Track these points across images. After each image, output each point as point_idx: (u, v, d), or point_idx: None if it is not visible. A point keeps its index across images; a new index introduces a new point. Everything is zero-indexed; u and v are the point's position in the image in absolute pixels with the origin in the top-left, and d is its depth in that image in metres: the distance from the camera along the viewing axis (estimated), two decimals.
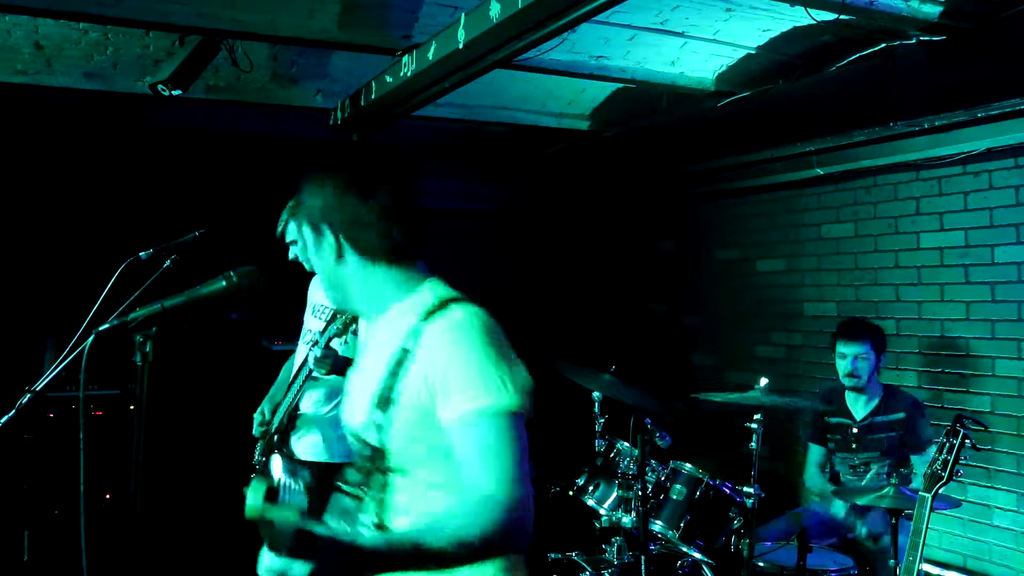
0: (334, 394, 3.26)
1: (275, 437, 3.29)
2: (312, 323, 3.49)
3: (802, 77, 4.23)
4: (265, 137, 5.74)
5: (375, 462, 1.54)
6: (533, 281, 7.19)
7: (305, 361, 3.25)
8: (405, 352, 1.49)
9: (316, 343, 3.18)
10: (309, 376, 3.13)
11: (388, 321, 1.61)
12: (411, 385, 1.47)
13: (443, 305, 1.51)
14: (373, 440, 1.54)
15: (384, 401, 1.50)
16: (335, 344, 3.07)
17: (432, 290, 1.59)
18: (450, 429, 1.42)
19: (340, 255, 1.58)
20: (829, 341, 3.88)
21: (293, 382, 3.29)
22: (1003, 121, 3.59)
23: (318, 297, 3.52)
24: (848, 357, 3.71)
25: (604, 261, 6.92)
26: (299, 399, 3.23)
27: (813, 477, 3.94)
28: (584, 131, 5.60)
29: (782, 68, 4.29)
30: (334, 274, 1.62)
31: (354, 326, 2.98)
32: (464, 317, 1.47)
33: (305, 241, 1.65)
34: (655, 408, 3.39)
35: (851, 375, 3.70)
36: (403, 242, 1.61)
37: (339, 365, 3.00)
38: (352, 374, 1.74)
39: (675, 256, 6.18)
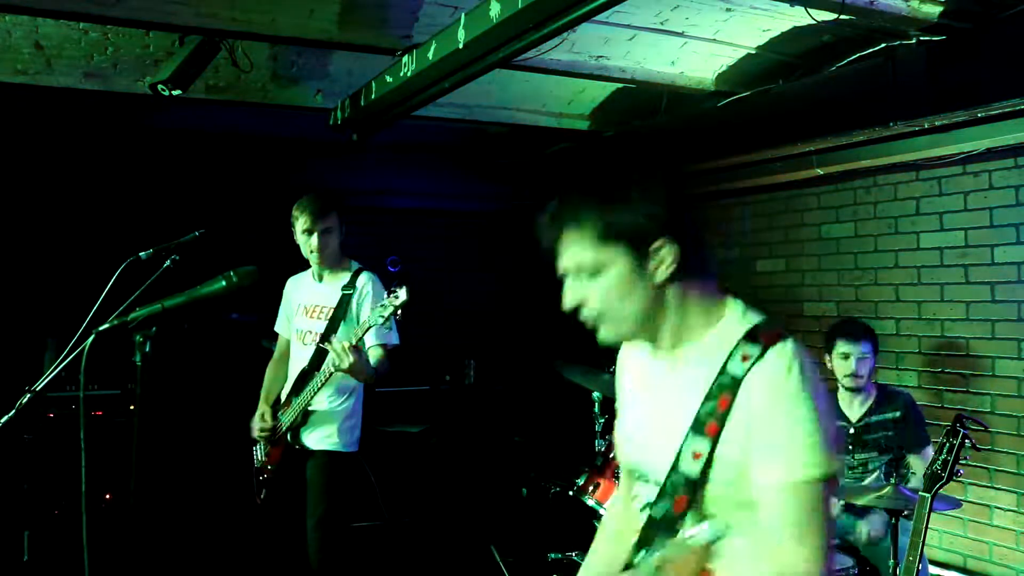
0: (343, 390, 3.41)
1: (288, 435, 3.43)
2: (308, 323, 3.53)
3: (802, 77, 4.23)
4: (265, 137, 5.75)
5: (682, 503, 1.41)
6: (533, 281, 7.20)
7: (316, 360, 3.38)
8: (724, 396, 1.36)
9: (324, 340, 3.33)
10: (330, 377, 3.26)
11: (692, 354, 1.44)
12: (731, 435, 1.35)
13: (756, 338, 1.37)
14: (683, 478, 1.40)
15: (702, 445, 1.38)
16: (373, 329, 3.22)
17: (736, 315, 1.44)
18: (762, 492, 1.33)
19: (652, 279, 1.39)
20: (824, 342, 3.87)
21: (304, 382, 3.41)
22: (1003, 121, 3.60)
23: (307, 297, 3.59)
24: (851, 357, 3.67)
25: None
26: (313, 396, 3.34)
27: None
28: (584, 131, 5.60)
29: (782, 68, 4.29)
30: (631, 303, 1.42)
31: (399, 312, 3.10)
32: (788, 364, 1.33)
33: (588, 267, 1.43)
34: None
35: (853, 375, 3.67)
36: (705, 255, 1.45)
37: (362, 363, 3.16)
38: (629, 410, 1.63)
39: None
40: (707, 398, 1.37)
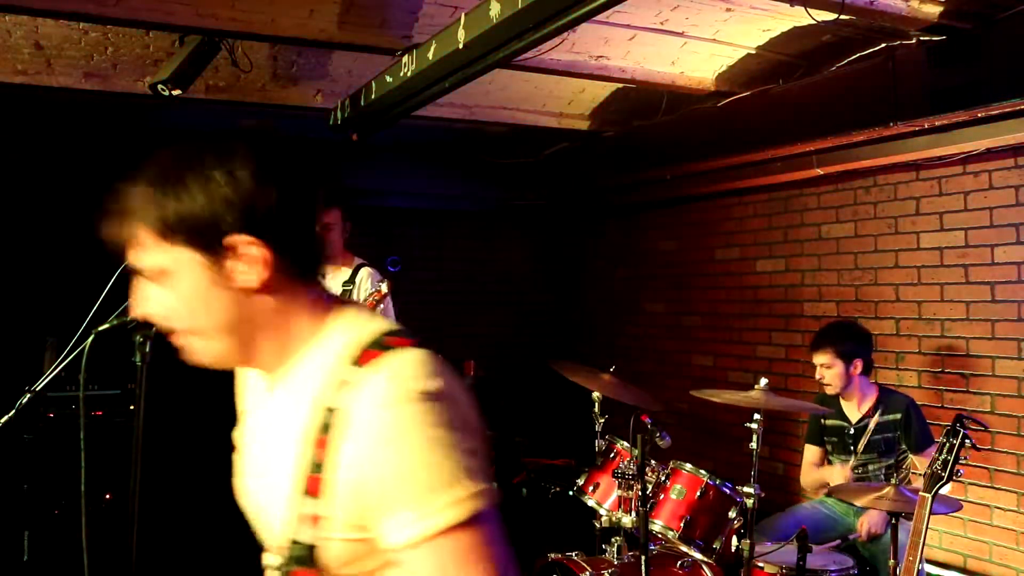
0: None
1: None
2: None
3: (802, 77, 4.23)
4: None
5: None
6: (533, 281, 7.20)
7: None
8: (321, 437, 1.06)
9: None
10: None
11: (291, 381, 1.16)
12: (342, 488, 1.05)
13: (360, 357, 1.07)
14: (302, 549, 1.09)
15: (310, 505, 1.07)
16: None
17: (344, 328, 1.14)
18: (397, 557, 1.03)
19: (229, 282, 1.10)
20: None
21: None
22: (1003, 121, 3.60)
23: None
24: (817, 367, 3.77)
25: (604, 261, 6.93)
26: None
27: (806, 475, 4.00)
28: (584, 131, 5.60)
29: (782, 68, 4.29)
30: (210, 315, 1.13)
31: (382, 304, 3.08)
32: (396, 385, 1.03)
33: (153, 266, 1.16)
34: (655, 408, 3.39)
35: (822, 383, 3.77)
36: (312, 257, 1.17)
37: None
38: (244, 452, 1.32)
39: (675, 256, 6.17)
40: (304, 441, 1.08)
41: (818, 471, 3.94)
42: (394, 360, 1.07)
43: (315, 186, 1.17)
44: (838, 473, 3.71)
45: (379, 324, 1.14)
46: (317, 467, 1.06)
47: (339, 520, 1.06)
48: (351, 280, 3.53)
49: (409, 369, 1.05)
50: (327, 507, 1.06)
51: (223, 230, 1.08)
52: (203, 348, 1.16)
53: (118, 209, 1.17)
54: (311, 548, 1.08)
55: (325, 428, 1.06)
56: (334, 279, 3.58)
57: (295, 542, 1.09)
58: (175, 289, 1.13)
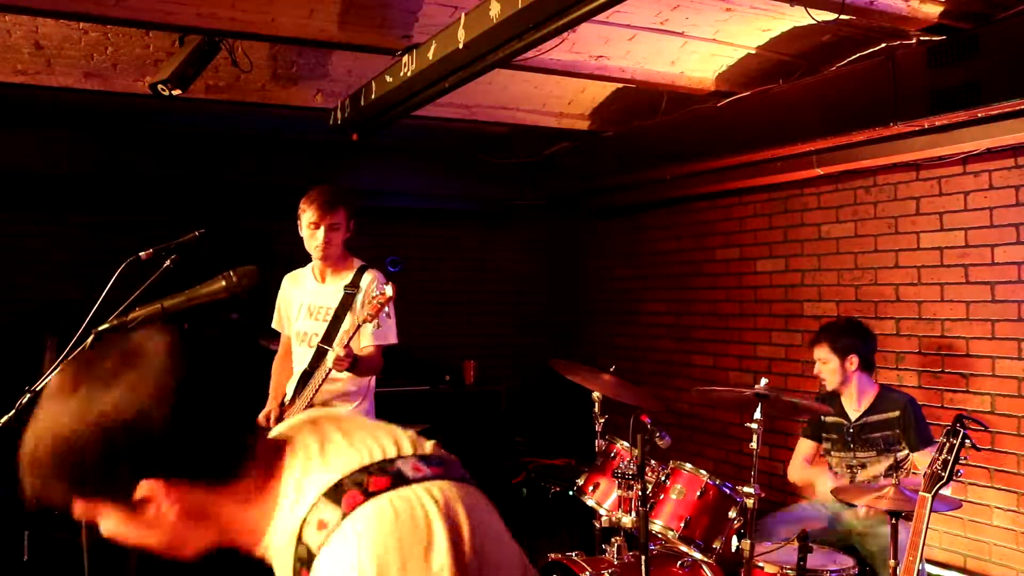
0: (354, 394, 3.45)
1: None
2: (310, 325, 3.50)
3: (802, 77, 4.23)
4: (265, 137, 5.74)
5: None
6: (533, 281, 7.20)
7: (316, 361, 3.38)
8: (303, 571, 1.02)
9: (325, 341, 3.35)
10: (327, 377, 3.26)
11: (276, 558, 1.10)
12: None
13: (346, 501, 1.00)
14: None
15: None
16: (368, 328, 3.21)
17: (297, 486, 1.06)
18: None
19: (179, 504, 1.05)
20: None
21: (306, 382, 3.40)
22: (1003, 121, 3.60)
23: (308, 298, 3.55)
24: (815, 362, 3.82)
25: (604, 261, 6.93)
26: (313, 395, 3.34)
27: (793, 469, 4.03)
28: (584, 131, 5.60)
29: (782, 68, 4.29)
30: (154, 540, 1.09)
31: (387, 308, 3.10)
32: (369, 558, 0.95)
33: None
34: (655, 408, 3.39)
35: (819, 378, 3.84)
36: (232, 446, 1.07)
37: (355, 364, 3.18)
38: None
39: (675, 256, 6.17)
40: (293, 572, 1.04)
41: (807, 470, 3.96)
42: (371, 517, 0.97)
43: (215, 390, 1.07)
44: (827, 481, 3.73)
45: (348, 461, 1.04)
46: None
47: None
48: (354, 284, 3.41)
49: (384, 536, 0.96)
50: None
51: (126, 484, 1.01)
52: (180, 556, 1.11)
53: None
54: None
55: (305, 565, 1.01)
56: (335, 282, 3.47)
57: None
58: (115, 528, 1.07)
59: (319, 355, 3.35)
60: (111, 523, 1.06)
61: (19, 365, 4.28)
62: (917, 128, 3.85)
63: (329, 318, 3.42)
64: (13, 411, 1.88)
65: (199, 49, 3.84)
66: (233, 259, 2.91)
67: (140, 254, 2.36)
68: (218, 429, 1.04)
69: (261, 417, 3.54)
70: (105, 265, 2.28)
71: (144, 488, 1.01)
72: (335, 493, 1.00)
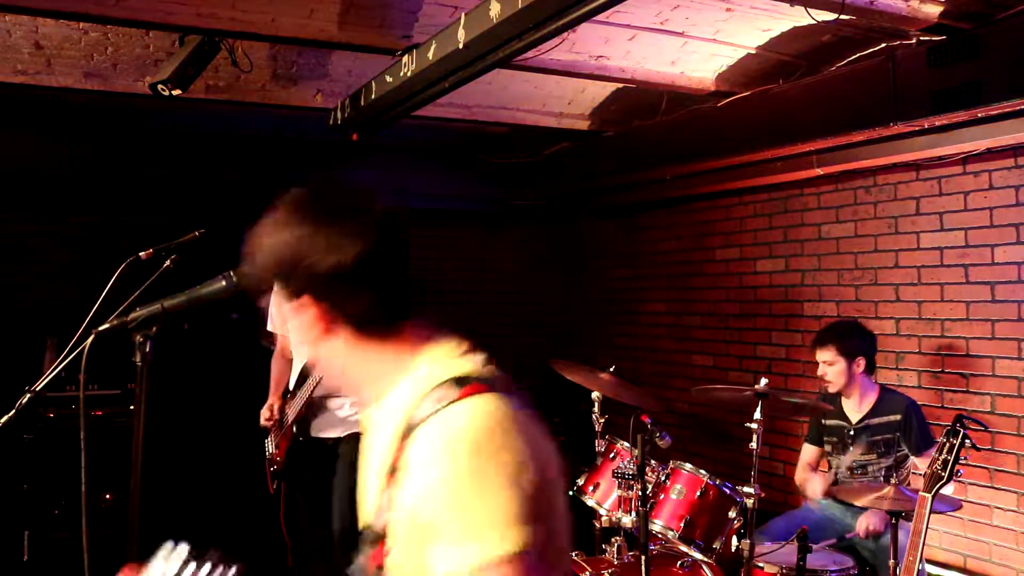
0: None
1: (293, 427, 3.60)
2: None
3: (802, 77, 4.23)
4: (265, 137, 5.74)
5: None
6: (533, 281, 7.20)
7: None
8: (394, 466, 1.19)
9: None
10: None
11: (385, 411, 1.29)
12: (404, 495, 1.16)
13: (455, 386, 1.18)
14: (374, 533, 1.24)
15: (385, 498, 1.22)
16: None
17: (432, 365, 1.25)
18: None
19: (327, 328, 1.26)
20: None
21: (305, 376, 3.54)
22: (1003, 121, 3.60)
23: None
24: (819, 364, 3.79)
25: (604, 261, 6.93)
26: (312, 390, 3.47)
27: (799, 474, 4.02)
28: (584, 131, 5.60)
29: (782, 68, 4.29)
30: (320, 353, 1.30)
31: None
32: (463, 426, 1.12)
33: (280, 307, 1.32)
34: (655, 408, 3.39)
35: (823, 379, 3.80)
36: (393, 304, 1.30)
37: None
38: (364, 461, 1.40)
39: (675, 256, 6.18)
40: (389, 448, 1.21)
41: (806, 475, 3.96)
42: (468, 405, 1.15)
43: (394, 242, 1.31)
44: (818, 484, 3.77)
45: (466, 364, 1.25)
46: (393, 470, 1.19)
47: (398, 523, 1.18)
48: None
49: (477, 419, 1.13)
50: (394, 504, 1.18)
51: (297, 293, 1.24)
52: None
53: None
54: (378, 535, 1.22)
55: (403, 440, 1.19)
56: None
57: (370, 527, 1.24)
58: (293, 322, 1.29)
59: None
60: (291, 316, 1.28)
61: (19, 365, 4.30)
62: (917, 128, 3.85)
63: None
64: (13, 411, 1.88)
65: (199, 49, 3.84)
66: (233, 259, 2.90)
67: (140, 254, 2.36)
68: (385, 290, 1.29)
69: (264, 409, 3.67)
70: (105, 265, 2.28)
71: (310, 304, 1.24)
72: (460, 382, 1.18)
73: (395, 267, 1.31)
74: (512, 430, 1.14)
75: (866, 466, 3.73)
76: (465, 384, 1.18)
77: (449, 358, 1.26)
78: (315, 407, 3.54)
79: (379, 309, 1.28)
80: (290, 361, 3.73)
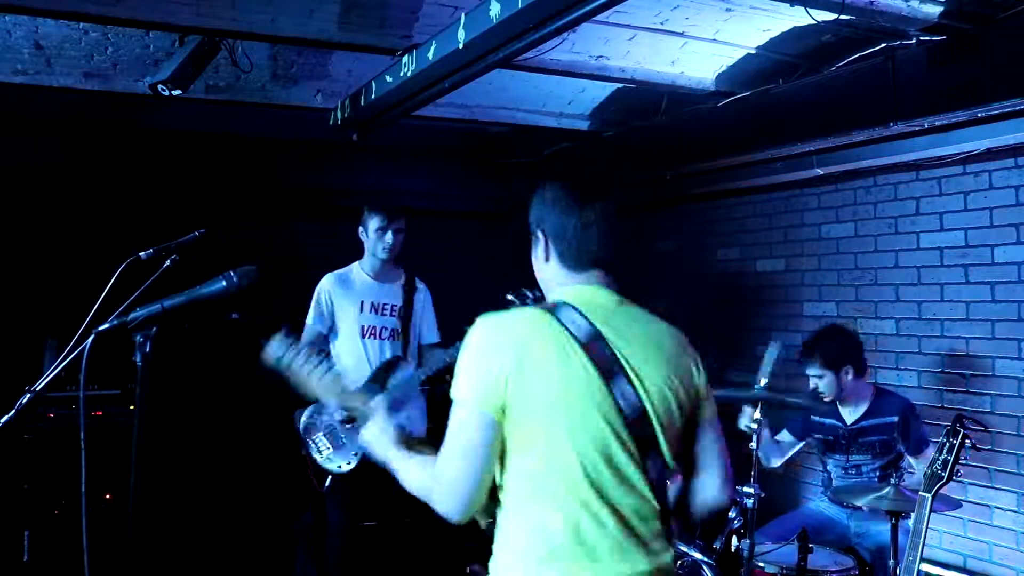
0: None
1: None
2: (378, 320, 3.92)
3: (802, 77, 4.23)
4: (265, 137, 5.74)
5: None
6: (534, 281, 7.19)
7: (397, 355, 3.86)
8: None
9: (403, 336, 3.93)
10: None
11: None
12: None
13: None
14: None
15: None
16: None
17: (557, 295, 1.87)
18: None
19: (547, 258, 1.88)
20: None
21: (389, 373, 3.81)
22: (1003, 121, 3.59)
23: (370, 295, 3.93)
24: (809, 377, 3.78)
25: None
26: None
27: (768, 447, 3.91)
28: (584, 131, 5.60)
29: (782, 68, 4.29)
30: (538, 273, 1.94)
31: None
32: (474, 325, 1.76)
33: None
34: None
35: (817, 391, 3.76)
36: (585, 253, 1.84)
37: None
38: None
39: (675, 256, 6.17)
40: None
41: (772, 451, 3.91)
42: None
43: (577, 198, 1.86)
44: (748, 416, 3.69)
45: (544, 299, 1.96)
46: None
47: None
48: (409, 283, 4.00)
49: (482, 320, 1.77)
50: None
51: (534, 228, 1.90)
52: None
53: None
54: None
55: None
56: (393, 282, 4.00)
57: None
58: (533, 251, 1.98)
59: (401, 349, 3.89)
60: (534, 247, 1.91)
61: (19, 365, 4.30)
62: (917, 128, 3.85)
63: (398, 314, 3.94)
64: (13, 411, 1.88)
65: (199, 49, 3.84)
66: (233, 259, 2.90)
67: (140, 254, 2.36)
68: (575, 251, 1.85)
69: (324, 410, 3.72)
70: (105, 265, 2.28)
71: (542, 239, 1.88)
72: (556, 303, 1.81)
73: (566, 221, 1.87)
74: (484, 333, 1.76)
75: (860, 466, 3.74)
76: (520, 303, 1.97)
77: (563, 294, 1.86)
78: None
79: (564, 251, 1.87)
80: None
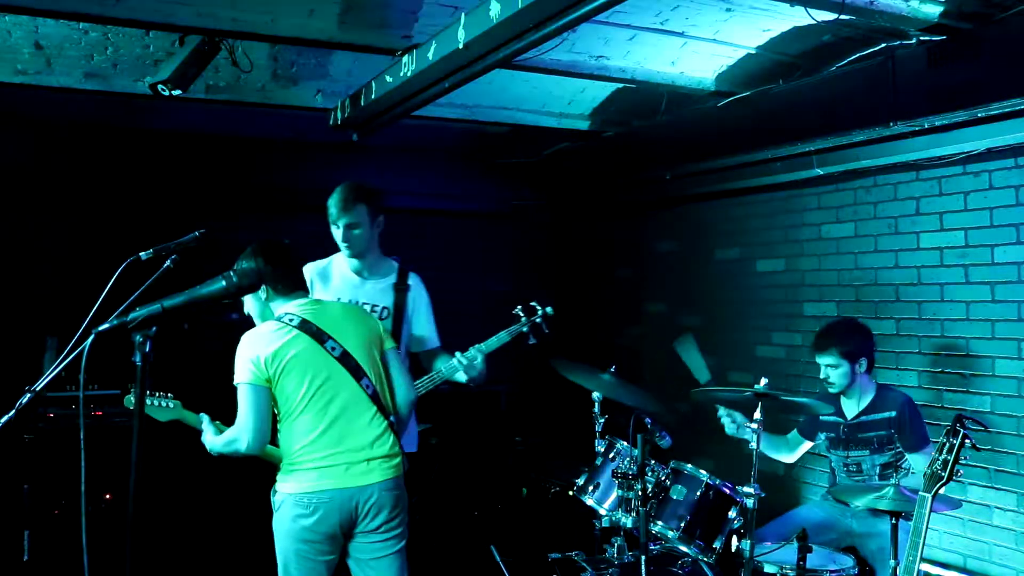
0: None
1: None
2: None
3: (802, 77, 4.23)
4: (265, 137, 5.74)
5: None
6: (533, 281, 7.19)
7: None
8: None
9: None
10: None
11: None
12: None
13: None
14: None
15: None
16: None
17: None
18: None
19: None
20: None
21: None
22: (1003, 121, 3.59)
23: (352, 294, 3.46)
24: (821, 367, 3.78)
25: (604, 261, 6.93)
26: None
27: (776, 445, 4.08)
28: (584, 131, 5.60)
29: (782, 68, 4.29)
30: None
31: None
32: None
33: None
34: (655, 408, 3.39)
35: (826, 382, 3.78)
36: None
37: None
38: None
39: (675, 256, 6.18)
40: None
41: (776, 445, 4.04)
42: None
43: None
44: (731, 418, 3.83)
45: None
46: None
47: None
48: (402, 281, 3.47)
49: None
50: None
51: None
52: None
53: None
54: None
55: None
56: (379, 280, 3.49)
57: None
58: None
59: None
60: None
61: (19, 365, 4.30)
62: (917, 128, 3.85)
63: (388, 316, 3.44)
64: (13, 411, 1.88)
65: (199, 49, 3.84)
66: (233, 259, 2.91)
67: (140, 254, 2.36)
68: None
69: None
70: (105, 265, 2.28)
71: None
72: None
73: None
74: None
75: (860, 463, 3.74)
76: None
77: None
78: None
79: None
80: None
